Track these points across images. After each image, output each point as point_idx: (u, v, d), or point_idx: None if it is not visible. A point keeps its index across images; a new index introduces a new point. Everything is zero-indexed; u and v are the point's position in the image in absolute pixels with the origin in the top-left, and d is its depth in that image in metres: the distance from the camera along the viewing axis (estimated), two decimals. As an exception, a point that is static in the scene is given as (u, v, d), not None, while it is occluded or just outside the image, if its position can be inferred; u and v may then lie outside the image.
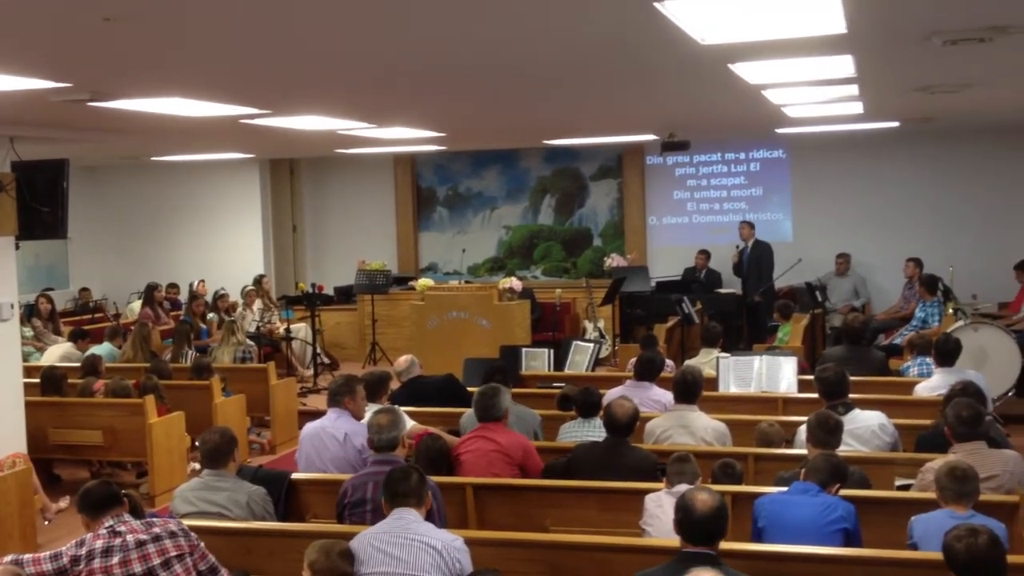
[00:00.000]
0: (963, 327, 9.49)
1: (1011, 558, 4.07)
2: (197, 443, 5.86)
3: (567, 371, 9.42)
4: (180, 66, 5.63)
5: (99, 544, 4.36)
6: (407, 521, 4.28)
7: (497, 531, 5.25)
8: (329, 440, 6.04)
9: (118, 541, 4.36)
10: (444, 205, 16.22)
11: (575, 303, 13.99)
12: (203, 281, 14.00)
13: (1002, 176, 13.63)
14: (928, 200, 13.93)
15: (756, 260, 13.06)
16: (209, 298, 13.24)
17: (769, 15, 4.51)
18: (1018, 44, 5.41)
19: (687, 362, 8.56)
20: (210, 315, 12.44)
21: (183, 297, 14.16)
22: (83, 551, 4.36)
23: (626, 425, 5.67)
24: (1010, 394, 9.49)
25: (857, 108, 9.33)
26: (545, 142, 13.77)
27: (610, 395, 6.89)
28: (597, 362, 9.83)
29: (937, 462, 5.01)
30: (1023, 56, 6.06)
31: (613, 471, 5.52)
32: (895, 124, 11.82)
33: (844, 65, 6.32)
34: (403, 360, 7.76)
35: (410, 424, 6.48)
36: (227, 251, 15.98)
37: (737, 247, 13.36)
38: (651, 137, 12.71)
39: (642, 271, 13.69)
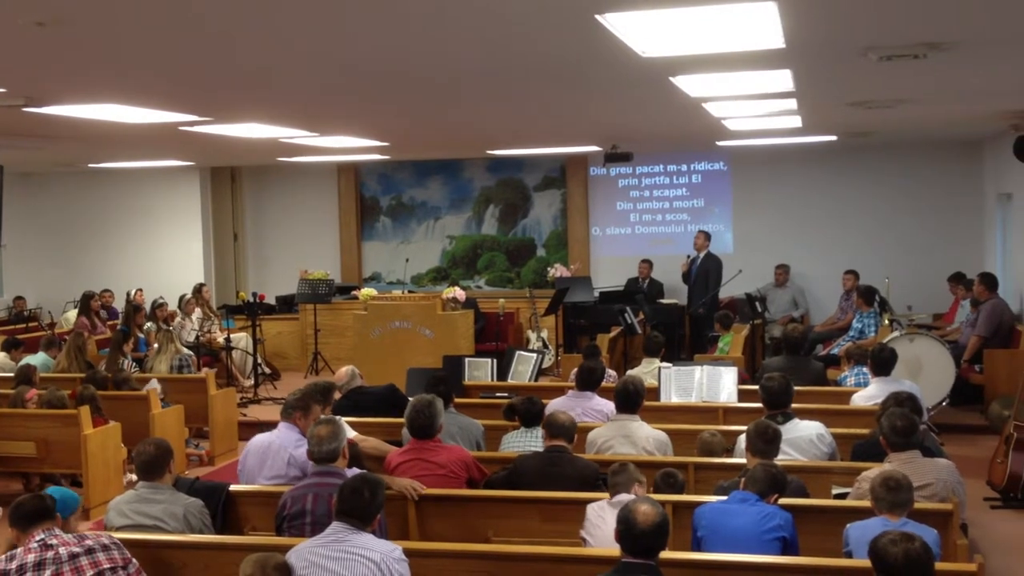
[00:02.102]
0: (899, 337, 9.66)
1: (946, 565, 4.15)
2: (133, 454, 5.75)
3: (510, 381, 9.42)
4: (117, 72, 5.55)
5: (31, 558, 4.27)
6: (345, 533, 4.23)
7: (439, 542, 5.23)
8: (274, 457, 5.90)
9: (50, 554, 4.28)
10: (388, 215, 16.16)
11: (518, 313, 14.01)
12: (141, 290, 13.78)
13: (937, 190, 13.93)
14: (865, 213, 14.19)
15: (705, 272, 13.10)
16: (147, 307, 13.03)
17: (709, 29, 4.56)
18: (951, 60, 5.54)
19: (629, 372, 8.62)
20: (148, 324, 12.24)
21: (118, 304, 13.92)
22: (13, 565, 4.26)
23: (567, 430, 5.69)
24: (944, 403, 9.67)
25: (796, 122, 9.47)
26: (489, 152, 13.80)
27: (552, 405, 6.90)
28: (540, 372, 9.85)
29: (873, 471, 5.08)
30: (956, 72, 6.20)
31: (555, 481, 5.52)
32: (833, 138, 12.03)
33: (783, 79, 6.42)
34: (343, 372, 7.71)
35: (351, 434, 6.43)
36: (166, 260, 15.77)
37: (688, 256, 13.43)
38: (594, 148, 12.80)
39: (585, 281, 13.74)
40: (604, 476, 5.70)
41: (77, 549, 4.32)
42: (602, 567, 4.12)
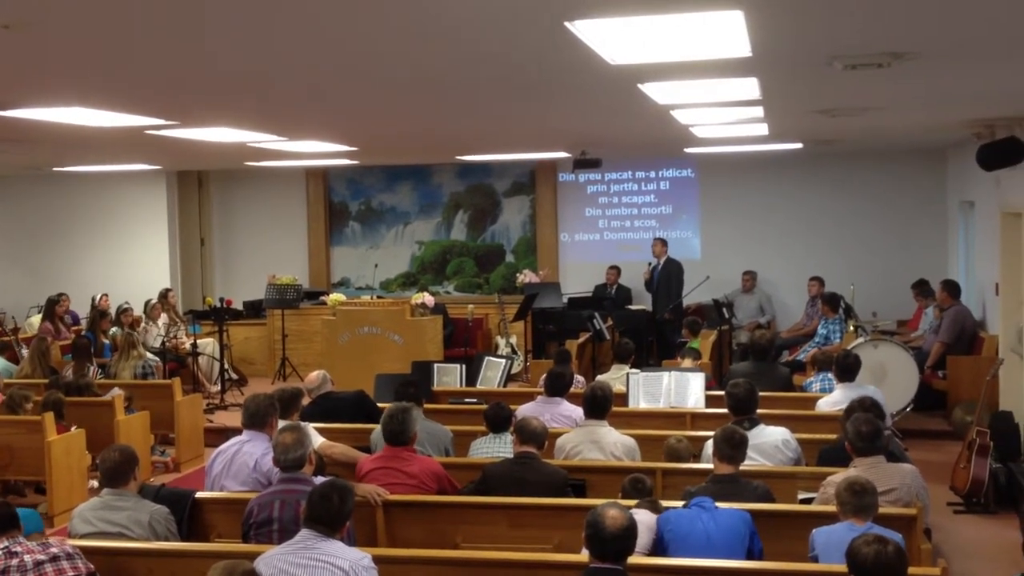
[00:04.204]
0: (863, 344, 9.75)
1: (911, 569, 4.19)
2: (98, 461, 5.69)
3: (479, 387, 9.42)
4: (84, 75, 5.51)
5: (-6, 567, 4.23)
6: (314, 540, 4.21)
7: (407, 548, 5.22)
8: (240, 464, 5.82)
9: (15, 562, 4.24)
10: (357, 219, 16.11)
11: (487, 319, 14.01)
12: (106, 295, 13.64)
13: (901, 198, 14.07)
14: (831, 220, 14.32)
15: (667, 277, 13.26)
16: (112, 312, 12.90)
17: (677, 37, 4.59)
18: (914, 69, 5.60)
19: (598, 377, 8.64)
20: (113, 330, 12.12)
21: (76, 308, 13.76)
22: (-25, 574, 4.22)
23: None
24: (908, 409, 9.76)
25: (762, 129, 9.54)
26: (458, 158, 13.80)
27: (522, 411, 6.92)
28: (509, 378, 9.85)
29: (838, 476, 5.13)
30: (919, 81, 6.28)
31: (524, 487, 5.53)
32: (799, 146, 12.13)
33: (749, 87, 6.47)
34: (315, 376, 7.66)
35: (319, 440, 6.40)
36: (132, 264, 15.61)
37: (649, 264, 13.56)
38: (563, 154, 12.82)
39: (554, 287, 13.79)
40: (572, 482, 5.74)
41: (42, 557, 4.29)
42: (571, 572, 4.14)
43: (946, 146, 13.17)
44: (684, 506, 4.89)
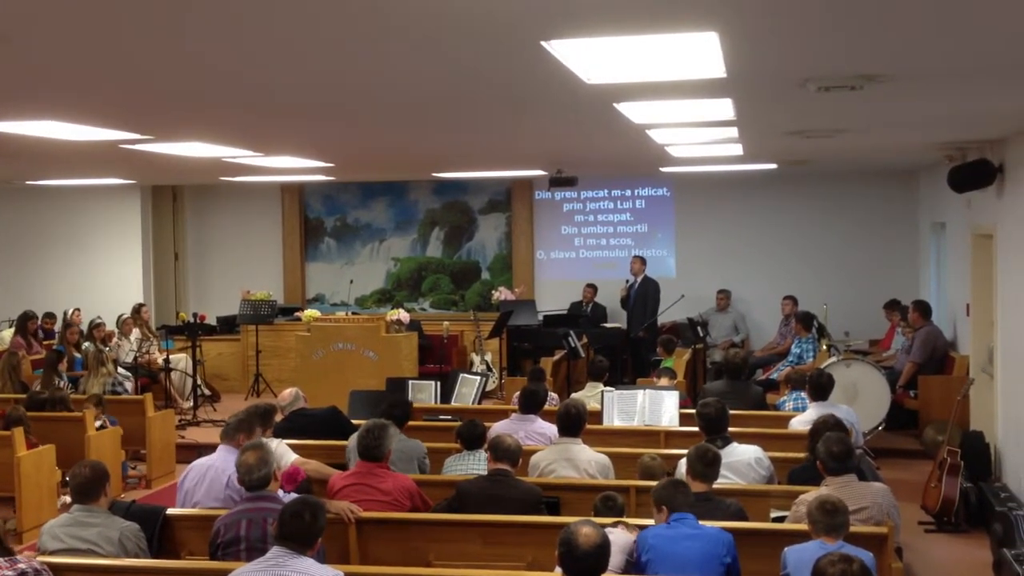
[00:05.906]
0: (836, 363, 9.81)
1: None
2: (68, 477, 5.64)
3: (454, 403, 9.40)
4: (56, 90, 5.48)
5: (-41, 585, 4.17)
6: (285, 558, 4.17)
7: (380, 566, 5.20)
8: (213, 480, 5.76)
9: (-20, 580, 4.19)
10: (332, 236, 16.08)
11: (463, 336, 14.01)
12: (78, 310, 13.52)
13: (874, 218, 14.21)
14: (804, 240, 14.43)
15: (643, 296, 13.30)
16: (84, 327, 12.79)
17: (652, 57, 4.63)
18: (886, 92, 5.67)
19: (572, 395, 8.65)
20: (85, 344, 12.02)
21: (59, 327, 13.65)
22: (-60, 592, 4.16)
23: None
24: (880, 428, 9.83)
25: (737, 150, 9.61)
26: (434, 175, 13.81)
27: (496, 428, 6.91)
28: (484, 395, 9.84)
29: (810, 495, 5.16)
30: (891, 103, 6.35)
31: (498, 504, 5.52)
32: (773, 166, 12.21)
33: (724, 108, 6.52)
34: (287, 393, 7.64)
35: (292, 457, 6.37)
36: (105, 279, 15.49)
37: (627, 281, 13.59)
38: (539, 172, 12.86)
39: (529, 305, 13.81)
40: (546, 500, 5.74)
41: (9, 573, 4.23)
42: (543, 591, 4.14)
43: (918, 168, 13.31)
44: (667, 524, 4.86)
